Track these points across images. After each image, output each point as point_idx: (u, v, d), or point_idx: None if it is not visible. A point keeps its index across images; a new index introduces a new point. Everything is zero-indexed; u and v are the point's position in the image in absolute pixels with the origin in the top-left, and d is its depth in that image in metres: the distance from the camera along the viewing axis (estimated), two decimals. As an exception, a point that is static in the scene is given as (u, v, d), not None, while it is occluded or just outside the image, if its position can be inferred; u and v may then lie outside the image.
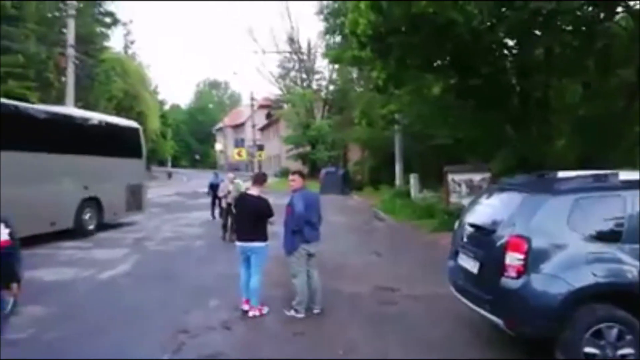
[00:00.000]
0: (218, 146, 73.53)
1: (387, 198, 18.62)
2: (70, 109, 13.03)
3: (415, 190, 17.41)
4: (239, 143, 40.69)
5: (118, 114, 23.73)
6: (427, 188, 16.96)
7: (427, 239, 10.87)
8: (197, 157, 78.99)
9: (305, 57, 43.27)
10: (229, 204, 10.48)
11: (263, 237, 5.42)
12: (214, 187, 14.80)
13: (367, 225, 13.79)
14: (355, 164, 32.16)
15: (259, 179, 5.53)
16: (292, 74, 45.96)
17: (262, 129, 57.16)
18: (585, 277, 3.79)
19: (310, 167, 44.31)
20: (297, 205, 5.29)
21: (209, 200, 15.17)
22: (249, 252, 5.38)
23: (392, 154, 21.36)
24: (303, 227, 5.27)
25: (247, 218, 5.35)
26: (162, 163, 68.27)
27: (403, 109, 15.38)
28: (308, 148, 42.82)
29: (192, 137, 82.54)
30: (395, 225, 13.66)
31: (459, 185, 12.55)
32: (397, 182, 20.73)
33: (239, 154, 39.46)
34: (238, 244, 5.52)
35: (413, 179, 17.86)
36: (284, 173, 45.72)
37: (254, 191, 5.44)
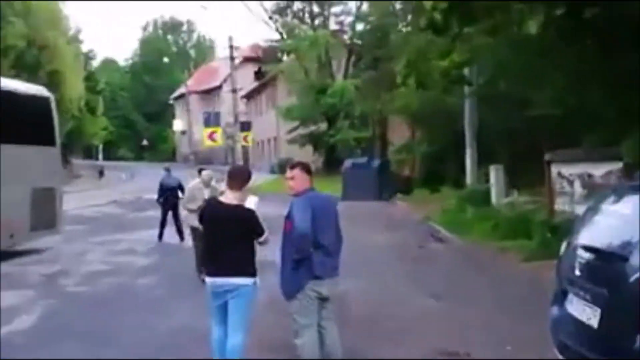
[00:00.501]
0: (178, 125, 74.10)
1: (451, 205, 18.77)
2: None
3: (499, 191, 17.42)
4: (212, 119, 40.40)
5: (17, 75, 24.08)
6: (517, 188, 16.98)
7: (517, 271, 10.91)
8: (145, 142, 79.96)
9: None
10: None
11: (248, 269, 5.34)
12: (165, 191, 15.27)
13: (419, 249, 13.85)
14: (399, 150, 32.26)
15: (238, 177, 5.49)
16: (297, 5, 45.95)
17: (249, 96, 57.77)
18: None
19: (327, 157, 44.27)
20: (300, 218, 5.31)
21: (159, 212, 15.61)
22: (227, 295, 5.36)
23: (460, 134, 21.38)
24: (310, 253, 5.27)
25: (221, 239, 5.32)
26: (89, 153, 68.67)
27: (476, 59, 15.39)
28: (323, 125, 42.83)
29: (137, 112, 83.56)
30: (465, 250, 13.74)
31: (570, 182, 12.54)
32: (468, 179, 20.74)
33: (211, 137, 39.26)
34: (209, 281, 5.49)
35: (494, 173, 17.83)
36: (284, 167, 44.98)
37: (232, 197, 5.47)
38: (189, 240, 10.97)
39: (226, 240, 5.40)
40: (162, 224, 15.38)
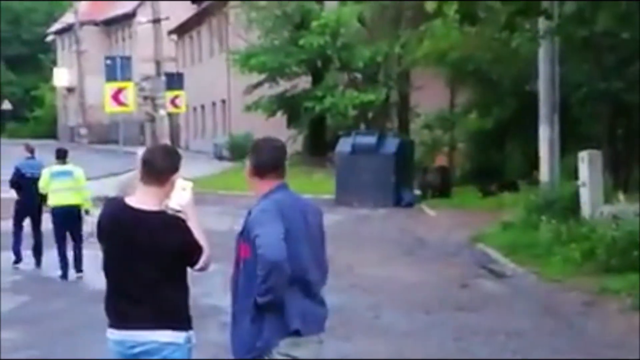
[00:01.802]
0: (61, 77, 73.27)
1: (516, 217, 18.84)
2: None
3: (594, 195, 17.43)
4: (119, 69, 40.29)
5: None
6: (624, 189, 17.04)
7: (627, 326, 10.97)
8: (7, 105, 79.71)
9: None
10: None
11: (178, 317, 5.57)
12: (26, 184, 15.78)
13: (461, 290, 13.90)
14: (431, 124, 32.23)
15: (158, 165, 5.47)
16: None
17: (181, 30, 57.67)
18: None
19: (311, 134, 43.95)
20: (268, 235, 5.33)
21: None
22: (144, 358, 5.54)
23: (531, 101, 21.48)
24: (282, 293, 5.26)
25: (132, 268, 5.51)
26: None
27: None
28: (304, 82, 42.51)
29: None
30: (538, 292, 13.79)
31: None
32: (544, 173, 20.76)
33: (117, 99, 39.11)
34: (113, 337, 5.50)
35: (587, 165, 17.84)
36: (239, 150, 45.41)
37: (147, 197, 5.45)
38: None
39: (139, 269, 5.46)
40: (19, 233, 16.01)
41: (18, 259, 15.96)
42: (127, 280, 5.48)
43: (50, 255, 15.38)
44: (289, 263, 5.35)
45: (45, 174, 14.91)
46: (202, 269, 5.53)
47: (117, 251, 5.53)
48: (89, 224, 13.71)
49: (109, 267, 5.67)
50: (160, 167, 5.59)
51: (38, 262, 15.72)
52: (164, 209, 5.53)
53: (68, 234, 14.96)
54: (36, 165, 15.93)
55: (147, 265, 5.42)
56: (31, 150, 16.50)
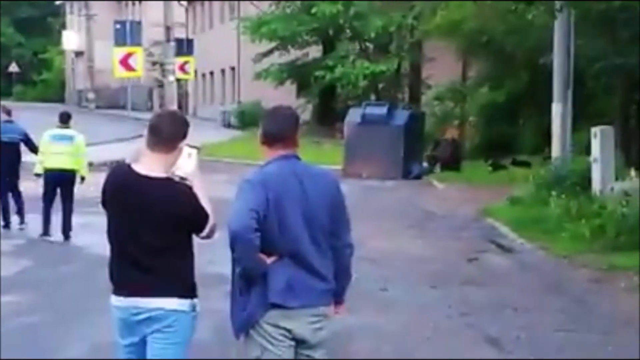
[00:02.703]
0: (70, 41, 73.27)
1: (526, 192, 18.90)
2: None
3: (606, 171, 17.40)
4: (128, 34, 40.40)
5: None
6: (637, 166, 17.10)
7: (635, 305, 10.97)
8: (15, 68, 79.67)
9: None
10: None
11: (183, 285, 5.60)
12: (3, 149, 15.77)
13: (468, 264, 13.92)
14: (442, 96, 32.16)
15: (166, 131, 5.44)
16: None
17: (192, -4, 58.06)
18: None
19: (321, 104, 43.98)
20: (236, 206, 5.38)
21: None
22: (146, 327, 5.57)
23: (544, 75, 21.43)
24: (259, 265, 5.39)
25: (137, 235, 5.52)
26: None
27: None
28: (315, 51, 42.56)
29: (1, 17, 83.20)
30: (547, 268, 13.80)
31: None
32: (555, 149, 20.73)
33: (125, 64, 39.30)
34: (117, 304, 5.55)
35: (599, 140, 17.80)
36: (247, 118, 45.63)
37: (155, 164, 5.61)
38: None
39: (145, 236, 5.46)
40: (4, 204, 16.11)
41: (5, 221, 16.02)
42: (132, 247, 5.50)
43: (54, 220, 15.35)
44: (272, 233, 5.35)
45: (45, 136, 14.93)
46: (207, 237, 5.55)
47: (123, 217, 5.54)
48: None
49: (114, 234, 5.67)
50: (168, 134, 5.58)
51: (21, 221, 15.89)
52: (171, 175, 5.52)
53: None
54: (15, 130, 15.90)
55: (153, 231, 5.44)
56: (8, 112, 16.37)
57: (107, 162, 17.31)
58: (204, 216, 5.49)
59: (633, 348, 9.20)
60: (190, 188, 5.52)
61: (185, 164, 5.51)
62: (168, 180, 5.49)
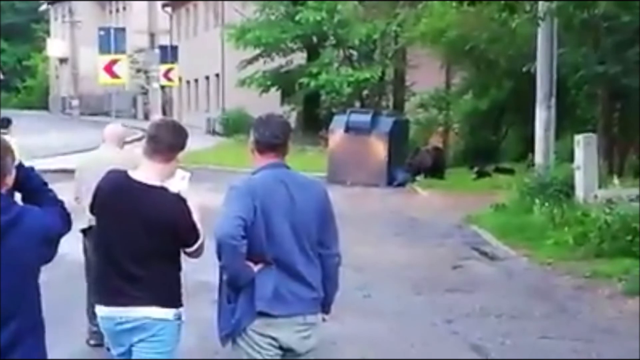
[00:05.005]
0: (55, 47, 73.12)
1: (509, 199, 18.91)
2: None
3: (589, 178, 17.43)
4: (113, 41, 40.32)
5: None
6: (619, 173, 17.13)
7: (618, 313, 11.04)
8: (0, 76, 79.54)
9: None
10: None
11: (169, 294, 5.60)
12: None
13: (453, 271, 13.93)
14: (426, 103, 32.14)
15: (167, 140, 5.45)
16: None
17: (175, 4, 56.88)
18: None
19: (305, 111, 43.89)
20: (222, 213, 5.38)
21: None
22: (133, 336, 5.54)
23: (528, 82, 21.47)
24: (246, 272, 5.37)
25: (126, 243, 5.50)
26: None
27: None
28: (299, 58, 42.56)
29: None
30: (530, 275, 13.82)
31: None
32: (539, 156, 20.76)
33: (110, 71, 39.17)
34: (103, 313, 5.60)
35: (583, 148, 17.84)
36: (232, 125, 45.72)
37: (151, 172, 5.59)
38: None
39: (134, 243, 5.46)
40: None
41: None
42: (122, 255, 5.49)
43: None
44: (263, 242, 5.37)
45: None
46: (194, 254, 5.56)
47: (115, 224, 5.53)
48: None
49: (104, 242, 5.66)
50: (167, 144, 5.58)
51: None
52: (165, 186, 5.52)
53: None
54: None
55: (145, 239, 5.44)
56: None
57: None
58: (195, 231, 5.49)
59: (616, 355, 9.25)
60: (184, 200, 5.52)
61: (178, 185, 5.51)
62: (163, 189, 5.49)
